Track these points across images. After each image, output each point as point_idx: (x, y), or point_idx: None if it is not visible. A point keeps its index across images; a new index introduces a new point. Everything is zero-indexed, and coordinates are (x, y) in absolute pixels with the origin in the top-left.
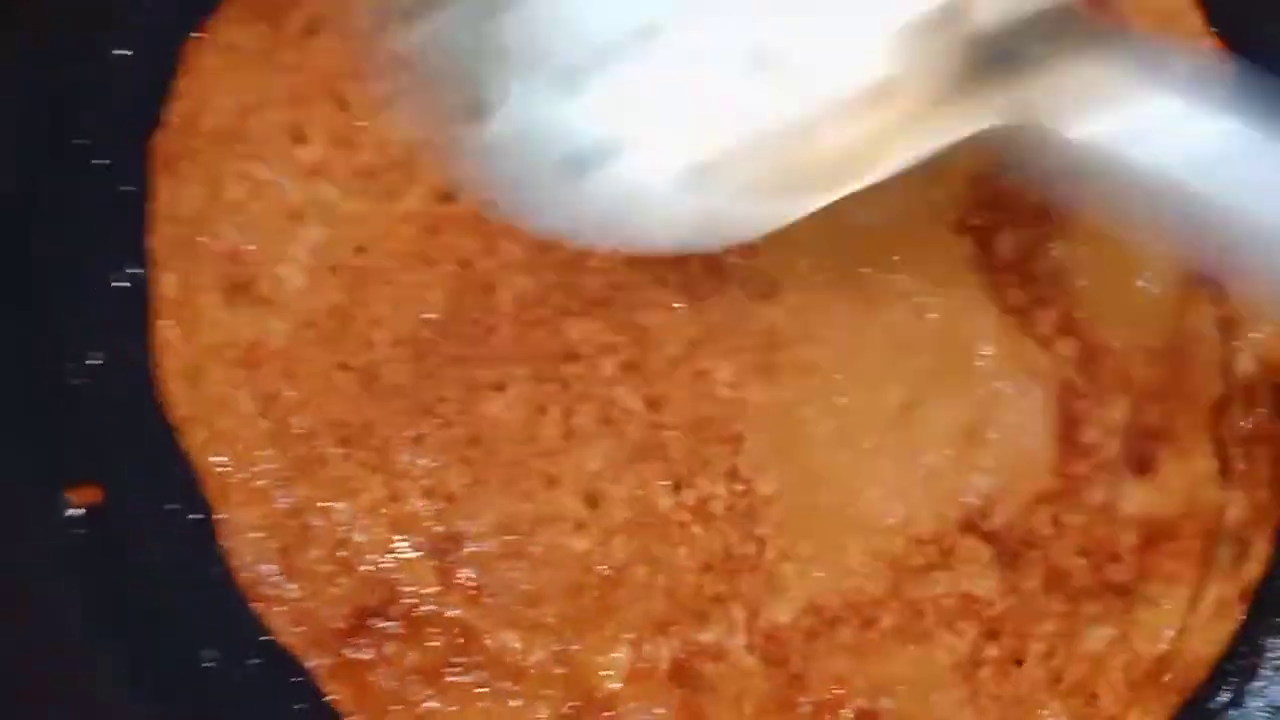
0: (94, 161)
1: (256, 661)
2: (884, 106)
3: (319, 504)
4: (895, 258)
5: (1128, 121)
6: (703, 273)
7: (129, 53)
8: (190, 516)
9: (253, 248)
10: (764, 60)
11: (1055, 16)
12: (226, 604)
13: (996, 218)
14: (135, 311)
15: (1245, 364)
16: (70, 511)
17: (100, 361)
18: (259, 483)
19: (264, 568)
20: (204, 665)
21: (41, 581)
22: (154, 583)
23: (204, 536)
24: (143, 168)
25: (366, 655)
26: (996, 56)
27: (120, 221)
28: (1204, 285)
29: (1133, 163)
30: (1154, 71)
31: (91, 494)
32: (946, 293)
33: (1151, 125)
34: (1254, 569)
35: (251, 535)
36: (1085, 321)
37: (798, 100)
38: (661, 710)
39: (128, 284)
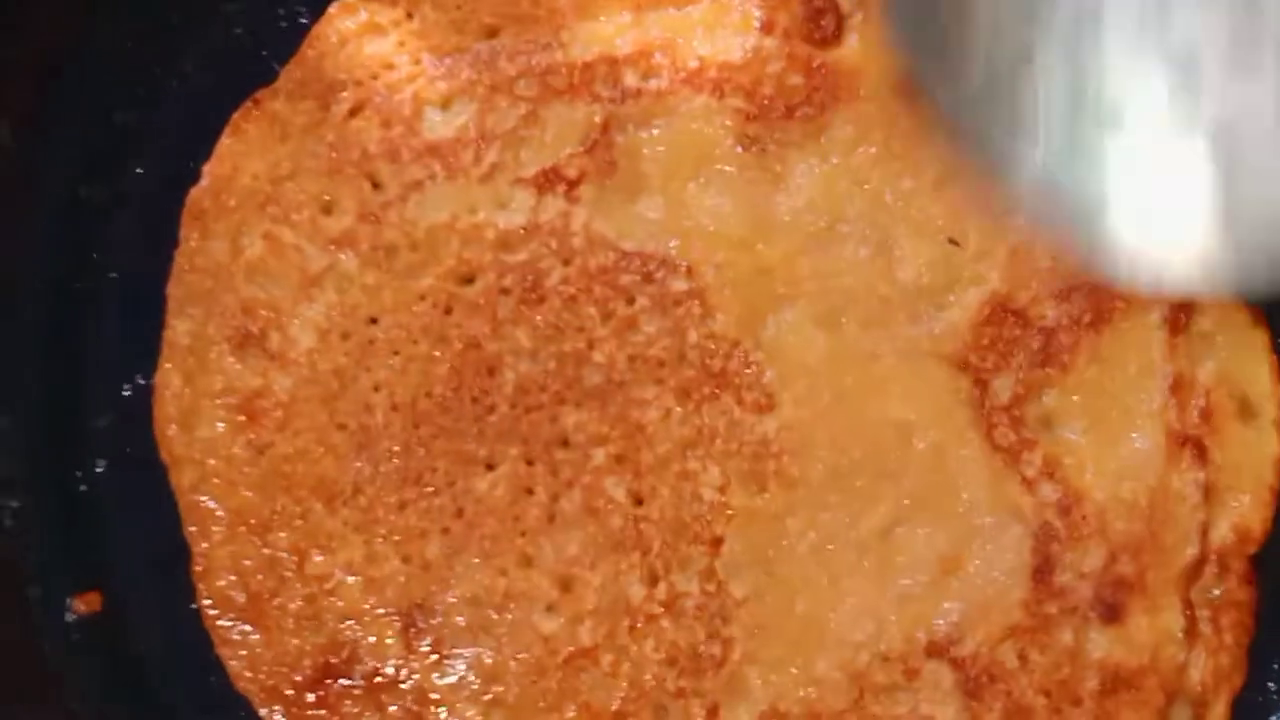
0: (111, 274)
1: None
2: None
3: (296, 555)
4: (893, 386)
5: None
6: (702, 378)
7: (173, 125)
8: (188, 620)
9: (268, 305)
10: None
11: None
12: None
13: (996, 360)
14: (142, 417)
15: (1221, 531)
16: (73, 616)
17: (101, 469)
18: (240, 526)
19: (233, 611)
20: None
21: (53, 675)
22: (153, 681)
23: (202, 641)
24: (156, 281)
25: (322, 713)
26: None
27: (134, 332)
28: (1190, 447)
29: None
30: None
31: (92, 601)
32: (938, 425)
33: None
34: None
35: (226, 577)
36: (1071, 469)
37: None
38: None
39: (131, 393)
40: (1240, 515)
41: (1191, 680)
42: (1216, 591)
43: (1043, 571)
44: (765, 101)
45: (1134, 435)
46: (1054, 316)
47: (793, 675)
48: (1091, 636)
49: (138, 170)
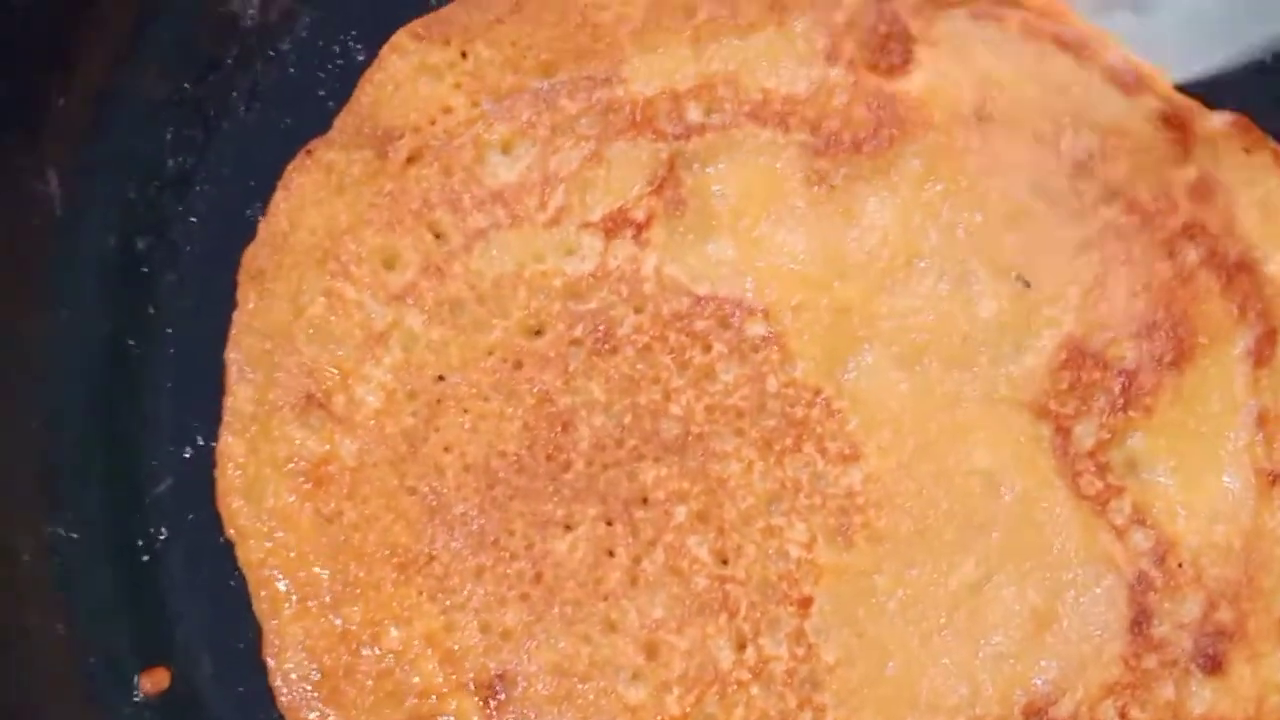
0: (166, 330)
1: None
2: None
3: (370, 628)
4: (977, 433)
5: None
6: (784, 428)
7: (226, 171)
8: (261, 700)
9: (331, 367)
10: None
11: None
12: None
13: (1077, 405)
14: (203, 481)
15: None
16: (140, 696)
17: (165, 536)
18: (311, 601)
19: (306, 690)
20: None
21: None
22: None
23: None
24: (212, 336)
25: None
26: None
27: (191, 391)
28: None
29: None
30: None
31: (160, 679)
32: (1024, 474)
33: None
34: None
35: (297, 655)
36: (1161, 514)
37: None
38: None
39: (191, 455)
40: None
41: None
42: None
43: (1140, 623)
44: (832, 135)
45: (1223, 475)
46: (1134, 358)
47: None
48: (1193, 690)
49: (191, 219)
